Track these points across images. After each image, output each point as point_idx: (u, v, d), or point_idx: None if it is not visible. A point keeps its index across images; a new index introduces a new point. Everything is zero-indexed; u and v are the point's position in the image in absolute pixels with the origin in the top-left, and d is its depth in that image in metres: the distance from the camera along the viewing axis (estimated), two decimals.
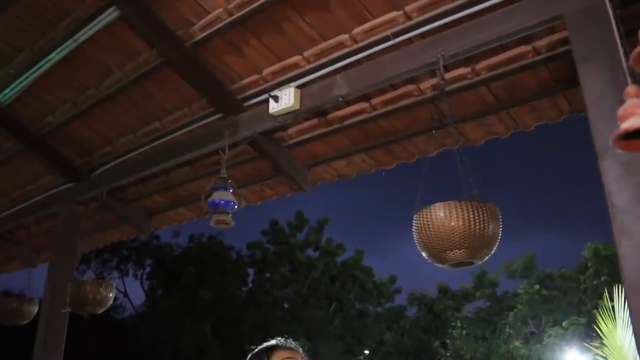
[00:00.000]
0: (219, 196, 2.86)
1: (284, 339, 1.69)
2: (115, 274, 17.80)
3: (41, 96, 3.71)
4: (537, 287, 17.40)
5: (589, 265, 16.78)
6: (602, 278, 15.71)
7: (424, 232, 2.09)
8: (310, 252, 19.15)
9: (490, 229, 2.04)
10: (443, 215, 2.04)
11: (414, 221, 2.14)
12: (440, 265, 2.15)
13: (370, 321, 18.88)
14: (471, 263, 2.11)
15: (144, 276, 18.67)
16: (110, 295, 3.94)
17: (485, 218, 2.04)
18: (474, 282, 19.46)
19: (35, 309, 5.00)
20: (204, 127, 3.35)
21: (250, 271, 19.11)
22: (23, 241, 5.60)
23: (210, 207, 2.89)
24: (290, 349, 1.66)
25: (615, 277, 15.07)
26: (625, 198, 1.70)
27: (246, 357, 1.64)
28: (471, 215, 2.03)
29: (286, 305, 18.34)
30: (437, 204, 2.07)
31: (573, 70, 1.99)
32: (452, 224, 2.02)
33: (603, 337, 4.56)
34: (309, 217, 19.27)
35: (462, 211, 2.02)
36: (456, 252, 2.03)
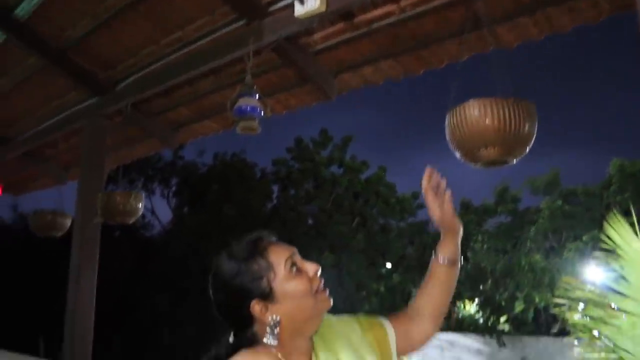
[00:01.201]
0: (244, 102, 2.84)
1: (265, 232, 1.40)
2: (143, 194, 18.02)
3: (60, 9, 3.64)
4: (559, 202, 17.36)
5: (613, 181, 16.61)
6: (626, 194, 15.58)
7: (457, 130, 2.05)
8: (334, 169, 19.21)
9: (526, 128, 1.99)
10: (477, 113, 1.99)
11: (447, 119, 2.10)
12: (473, 165, 2.13)
13: (392, 235, 19.14)
14: (505, 162, 2.09)
15: (171, 195, 19.02)
16: (140, 205, 4.02)
17: (521, 116, 1.99)
18: (496, 198, 19.49)
19: (69, 222, 5.16)
20: (227, 34, 3.27)
21: (275, 188, 19.33)
22: (51, 158, 5.70)
23: (236, 114, 2.87)
24: (277, 241, 1.38)
25: (638, 192, 14.99)
26: None
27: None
28: (506, 113, 1.98)
29: (310, 221, 18.63)
30: (471, 100, 2.02)
31: None
32: (487, 121, 1.97)
33: (617, 249, 4.57)
34: (333, 135, 19.24)
35: (497, 109, 1.97)
36: (490, 150, 2.00)
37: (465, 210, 19.79)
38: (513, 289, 16.35)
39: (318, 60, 3.41)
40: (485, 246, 17.79)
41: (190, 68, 3.40)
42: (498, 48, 3.03)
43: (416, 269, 19.41)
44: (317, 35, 3.21)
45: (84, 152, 4.33)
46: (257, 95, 2.90)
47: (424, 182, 1.50)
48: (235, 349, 1.29)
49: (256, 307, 1.27)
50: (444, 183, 1.51)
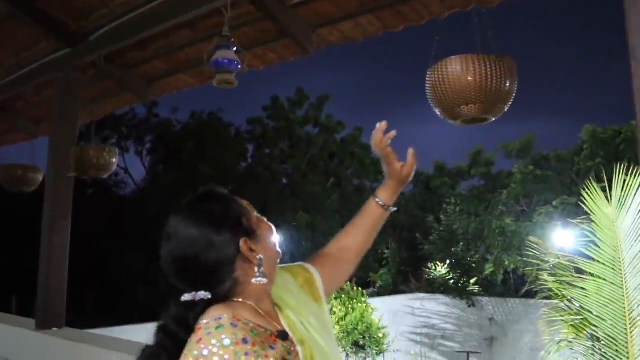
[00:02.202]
0: (222, 55, 2.77)
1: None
2: (116, 149, 17.74)
3: None
4: (531, 167, 17.62)
5: (585, 147, 16.85)
6: (597, 160, 15.84)
7: (438, 87, 2.03)
8: (309, 128, 19.19)
9: (507, 85, 1.98)
10: (459, 69, 1.97)
11: (427, 76, 2.08)
12: (453, 122, 2.12)
13: (367, 196, 19.26)
14: (484, 119, 2.08)
15: (145, 152, 18.81)
16: (114, 160, 3.95)
17: (502, 73, 1.97)
18: (470, 161, 19.70)
19: (40, 177, 5.06)
20: None
21: (250, 147, 19.26)
22: (22, 112, 5.55)
23: (213, 67, 2.80)
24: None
25: (609, 159, 15.26)
26: None
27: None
28: (488, 70, 1.96)
29: (285, 181, 18.66)
30: (453, 57, 1.99)
31: None
32: (469, 78, 1.95)
33: (591, 214, 4.63)
34: (309, 95, 19.13)
35: (479, 65, 1.96)
36: (471, 107, 1.99)
37: (439, 172, 19.99)
38: (483, 251, 16.65)
39: (297, 13, 3.33)
40: (458, 209, 18.02)
41: (165, 19, 3.30)
42: (479, 6, 2.99)
43: (390, 229, 19.66)
44: None
45: (56, 105, 4.20)
46: (234, 48, 2.83)
47: (379, 135, 1.55)
48: (204, 307, 1.20)
49: (244, 246, 1.24)
50: (393, 133, 1.57)
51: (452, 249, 16.89)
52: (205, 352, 1.08)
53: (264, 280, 1.24)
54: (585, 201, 4.67)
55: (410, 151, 1.60)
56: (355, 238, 1.62)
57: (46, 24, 3.98)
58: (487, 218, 17.57)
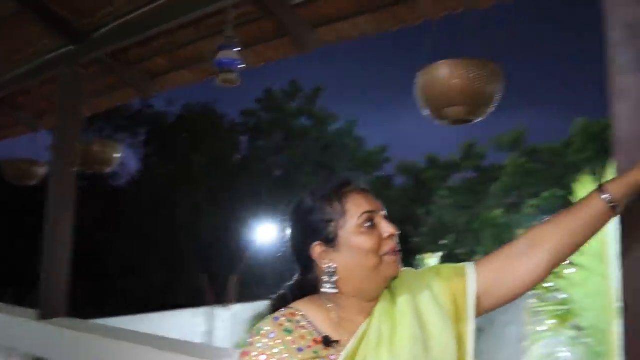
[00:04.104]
0: (225, 55, 2.92)
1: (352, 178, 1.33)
2: (119, 144, 17.64)
3: None
4: (522, 160, 17.80)
5: (575, 140, 17.03)
6: (587, 153, 16.04)
7: (426, 89, 2.20)
8: (303, 120, 19.28)
9: (491, 88, 2.15)
10: (446, 73, 2.13)
11: (417, 78, 2.24)
12: (440, 122, 2.29)
13: None
14: (470, 120, 2.25)
15: (139, 144, 18.85)
16: (116, 155, 4.09)
17: (487, 76, 2.13)
18: (462, 154, 19.84)
19: (43, 171, 5.18)
20: None
21: (244, 139, 19.34)
22: (25, 106, 5.67)
23: (217, 66, 2.95)
24: (365, 192, 1.32)
25: (599, 152, 15.45)
26: (628, 59, 1.76)
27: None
28: (473, 74, 2.12)
29: (279, 172, 18.79)
30: (441, 61, 2.15)
31: None
32: (455, 81, 2.12)
33: None
34: (304, 87, 19.20)
35: (465, 69, 2.12)
36: (457, 109, 2.15)
37: (431, 164, 20.15)
38: (473, 243, 16.85)
39: (297, 13, 3.48)
40: (448, 201, 18.18)
41: (170, 18, 3.42)
42: (472, 7, 3.15)
43: None
44: None
45: (59, 100, 4.32)
46: (237, 48, 2.98)
47: None
48: (296, 290, 1.31)
49: (317, 248, 1.26)
50: None
51: (443, 241, 17.07)
52: (250, 333, 1.23)
53: (332, 291, 1.24)
54: (576, 194, 4.84)
55: None
56: (556, 229, 1.30)
57: (52, 21, 4.10)
58: (477, 210, 17.76)
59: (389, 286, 1.29)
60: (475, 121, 2.25)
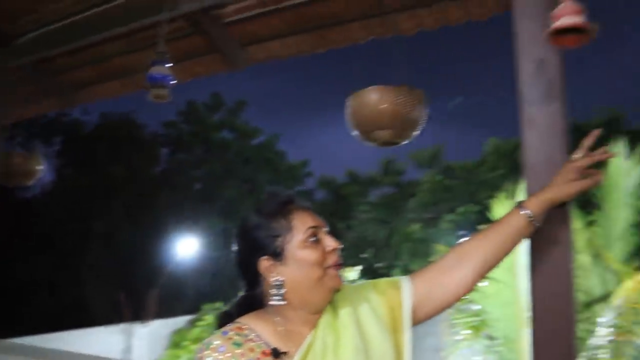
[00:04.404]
0: (157, 70, 2.92)
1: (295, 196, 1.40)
2: (41, 156, 16.80)
3: None
4: (439, 176, 18.46)
5: (488, 159, 17.85)
6: (499, 171, 16.84)
7: (357, 112, 2.32)
8: (225, 133, 19.16)
9: (416, 113, 2.30)
10: (375, 98, 2.26)
11: (348, 102, 2.36)
12: (369, 144, 2.41)
13: None
14: (397, 143, 2.38)
15: (53, 154, 18.05)
16: (38, 168, 3.96)
17: (412, 102, 2.28)
18: (382, 170, 20.33)
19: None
20: None
21: (165, 151, 18.96)
22: None
23: (149, 81, 2.94)
24: (309, 209, 1.39)
25: (511, 170, 16.28)
26: (535, 92, 1.94)
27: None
28: (400, 99, 2.26)
29: (200, 186, 18.54)
30: (371, 87, 2.28)
31: None
32: (384, 106, 2.25)
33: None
34: (227, 101, 19.08)
35: (394, 95, 2.25)
36: (385, 132, 2.28)
37: (351, 179, 20.53)
38: (392, 257, 17.25)
39: (229, 31, 3.52)
40: (368, 216, 18.53)
41: (99, 30, 3.37)
42: (398, 34, 3.32)
43: None
44: (230, 8, 3.32)
45: None
46: (169, 64, 2.99)
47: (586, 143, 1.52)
48: (242, 306, 1.37)
49: (264, 263, 1.32)
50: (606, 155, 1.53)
51: (363, 255, 17.35)
52: (199, 348, 1.26)
53: (280, 303, 1.30)
54: (492, 210, 5.14)
55: (598, 175, 1.52)
56: (481, 244, 1.43)
57: None
58: (396, 224, 18.21)
59: (331, 300, 1.36)
60: (402, 143, 2.38)
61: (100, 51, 3.89)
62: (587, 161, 1.51)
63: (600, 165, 1.57)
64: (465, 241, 1.45)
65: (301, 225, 1.34)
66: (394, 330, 1.35)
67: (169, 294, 15.58)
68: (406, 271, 16.37)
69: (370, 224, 18.40)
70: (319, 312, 1.34)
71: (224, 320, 1.34)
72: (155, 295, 15.39)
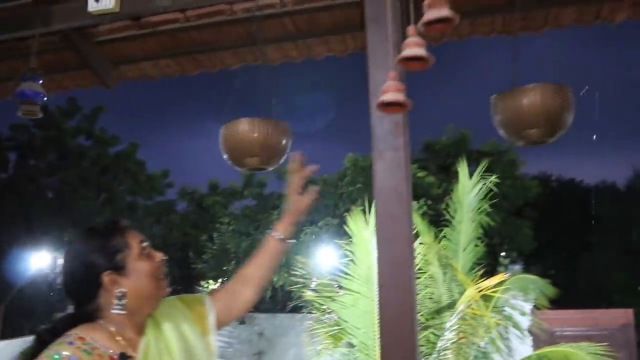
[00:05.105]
0: (29, 86, 2.91)
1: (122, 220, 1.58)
2: None
3: None
4: None
5: (347, 173, 18.55)
6: (357, 185, 17.58)
7: (229, 140, 2.53)
8: (82, 140, 18.22)
9: (283, 142, 2.56)
10: (247, 128, 2.49)
11: (221, 130, 2.56)
12: (240, 169, 2.63)
13: (140, 214, 18.89)
14: (264, 168, 2.62)
15: None
16: None
17: (279, 133, 2.54)
18: (244, 182, 20.41)
19: None
20: (10, 10, 3.20)
21: (12, 156, 17.61)
22: None
23: (19, 98, 2.92)
24: (133, 228, 1.58)
25: (367, 184, 17.08)
26: (384, 130, 2.25)
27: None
28: (268, 130, 2.51)
29: (52, 195, 17.46)
30: (243, 118, 2.51)
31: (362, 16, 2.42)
32: (254, 135, 2.48)
33: (352, 236, 5.42)
34: (82, 106, 18.18)
35: (261, 126, 2.50)
36: (254, 159, 2.52)
37: (212, 191, 20.39)
38: None
39: (100, 49, 3.56)
40: (230, 228, 18.52)
41: None
42: (265, 63, 3.58)
43: (162, 247, 19.39)
44: (103, 27, 3.36)
45: None
46: (40, 80, 2.98)
47: (295, 165, 1.88)
48: (73, 321, 1.44)
49: (107, 278, 1.44)
50: (309, 170, 1.90)
51: (225, 267, 17.32)
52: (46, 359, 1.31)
53: (122, 312, 1.44)
54: (348, 224, 5.47)
55: (312, 190, 1.91)
56: (258, 267, 1.82)
57: None
58: (257, 237, 18.38)
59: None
60: (269, 169, 2.62)
61: None
62: (301, 181, 1.89)
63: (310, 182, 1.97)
64: (244, 267, 1.83)
65: (133, 241, 1.52)
66: (204, 334, 1.63)
67: (18, 312, 14.49)
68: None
69: (232, 236, 18.39)
70: (144, 319, 1.52)
71: (48, 337, 1.40)
72: (2, 313, 14.24)
